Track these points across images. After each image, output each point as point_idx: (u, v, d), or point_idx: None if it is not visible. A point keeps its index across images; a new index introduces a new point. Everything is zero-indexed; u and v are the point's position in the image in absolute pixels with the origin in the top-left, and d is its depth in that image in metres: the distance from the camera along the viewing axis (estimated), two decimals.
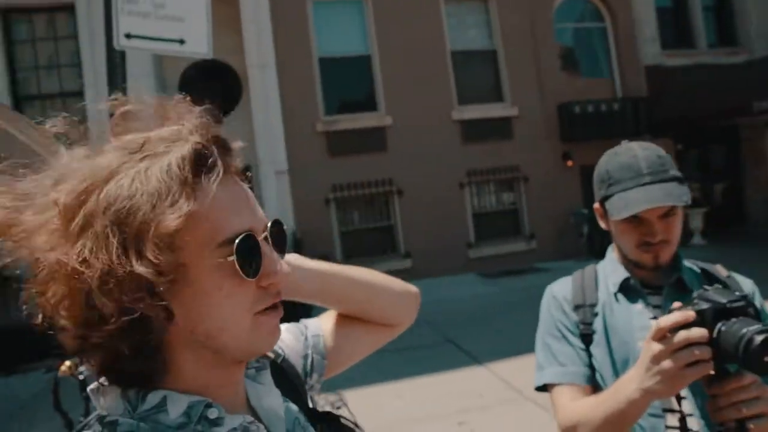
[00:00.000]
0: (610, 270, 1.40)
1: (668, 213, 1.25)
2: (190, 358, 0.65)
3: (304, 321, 1.01)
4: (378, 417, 4.49)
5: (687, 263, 1.40)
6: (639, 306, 1.32)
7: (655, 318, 1.18)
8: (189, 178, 0.60)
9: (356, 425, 3.17)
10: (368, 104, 10.98)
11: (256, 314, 0.67)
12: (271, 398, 0.77)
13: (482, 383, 5.34)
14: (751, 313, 0.99)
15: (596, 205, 1.40)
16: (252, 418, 0.69)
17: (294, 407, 0.82)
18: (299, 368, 0.92)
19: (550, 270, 10.76)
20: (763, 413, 0.95)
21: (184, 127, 0.65)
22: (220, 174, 0.63)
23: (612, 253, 1.43)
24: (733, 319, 0.95)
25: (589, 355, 1.33)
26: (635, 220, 1.25)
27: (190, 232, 0.60)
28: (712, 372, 0.97)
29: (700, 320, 0.98)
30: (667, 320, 0.98)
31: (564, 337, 1.36)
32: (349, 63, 11.02)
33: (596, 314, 1.35)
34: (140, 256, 0.57)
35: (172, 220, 0.58)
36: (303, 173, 10.15)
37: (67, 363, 2.84)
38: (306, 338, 0.97)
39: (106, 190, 0.59)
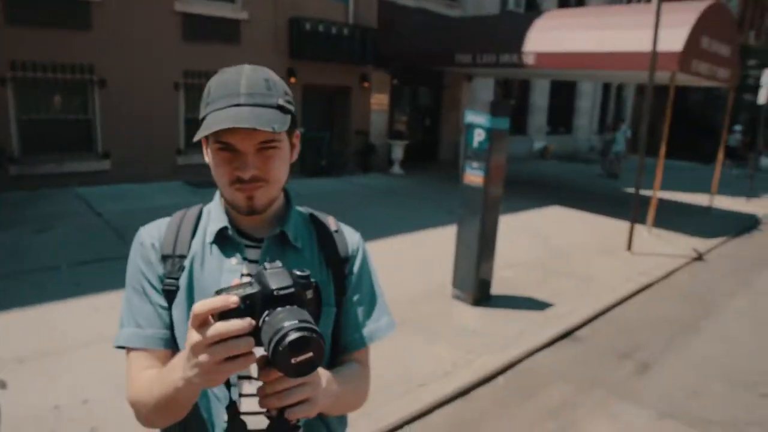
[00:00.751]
0: (214, 215, 1.20)
1: (266, 146, 1.08)
2: None
3: None
4: (42, 343, 4.04)
5: (300, 211, 1.28)
6: (233, 261, 1.14)
7: (249, 276, 1.03)
8: None
9: None
10: None
11: None
12: None
13: None
14: (305, 298, 0.89)
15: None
16: None
17: None
18: None
19: None
20: (306, 399, 0.91)
21: None
22: None
23: (218, 196, 1.23)
24: (279, 309, 0.84)
25: (171, 316, 1.15)
26: (229, 152, 1.08)
27: None
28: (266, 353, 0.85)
29: (250, 306, 0.85)
30: (204, 306, 0.83)
31: (145, 292, 1.14)
32: None
33: (183, 268, 1.15)
34: None
35: None
36: None
37: None
38: None
39: None
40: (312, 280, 0.93)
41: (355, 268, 1.26)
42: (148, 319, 1.14)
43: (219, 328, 0.82)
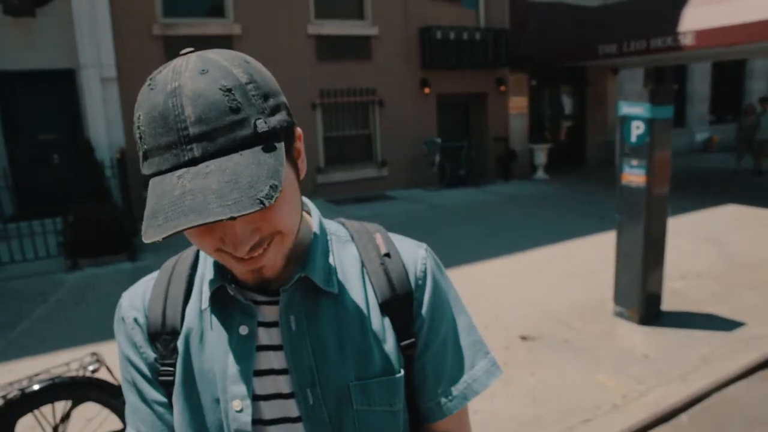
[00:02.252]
0: (210, 265, 0.83)
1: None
2: None
3: None
4: None
5: (333, 232, 0.88)
6: (242, 331, 0.79)
7: (271, 349, 0.79)
8: None
9: (120, 388, 2.78)
10: (215, 9, 9.86)
11: None
12: None
13: None
14: None
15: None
16: None
17: None
18: None
19: (400, 198, 10.81)
20: None
21: None
22: None
23: None
24: None
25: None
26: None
27: None
28: None
29: None
30: None
31: (136, 386, 0.84)
32: None
33: (177, 351, 0.81)
34: None
35: None
36: (136, 82, 9.04)
37: None
38: None
39: None
40: None
41: (425, 305, 0.85)
42: (145, 422, 0.84)
43: None
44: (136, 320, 0.84)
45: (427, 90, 11.70)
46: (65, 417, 2.63)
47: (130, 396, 0.86)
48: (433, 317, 0.85)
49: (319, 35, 10.54)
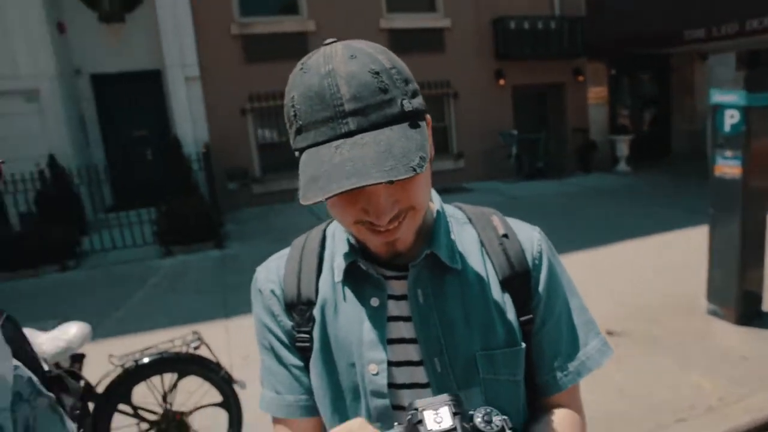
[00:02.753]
0: (339, 242, 0.90)
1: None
2: None
3: None
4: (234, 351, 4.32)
5: (452, 212, 0.94)
6: (373, 303, 0.85)
7: (401, 319, 0.85)
8: None
9: (218, 365, 2.95)
10: (289, 7, 10.12)
11: None
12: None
13: None
14: None
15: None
16: None
17: (26, 372, 0.77)
18: None
19: (477, 190, 10.72)
20: None
21: None
22: None
23: None
24: None
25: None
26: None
27: None
28: None
29: None
30: None
31: (274, 351, 0.91)
32: None
33: (314, 319, 0.88)
34: None
35: None
36: (217, 80, 9.44)
37: None
38: None
39: None
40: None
41: (542, 283, 0.90)
42: (284, 384, 0.92)
43: None
44: (273, 292, 0.92)
45: (502, 81, 11.51)
46: (172, 387, 2.85)
47: (267, 360, 0.93)
48: (549, 295, 0.90)
49: (391, 29, 10.59)
